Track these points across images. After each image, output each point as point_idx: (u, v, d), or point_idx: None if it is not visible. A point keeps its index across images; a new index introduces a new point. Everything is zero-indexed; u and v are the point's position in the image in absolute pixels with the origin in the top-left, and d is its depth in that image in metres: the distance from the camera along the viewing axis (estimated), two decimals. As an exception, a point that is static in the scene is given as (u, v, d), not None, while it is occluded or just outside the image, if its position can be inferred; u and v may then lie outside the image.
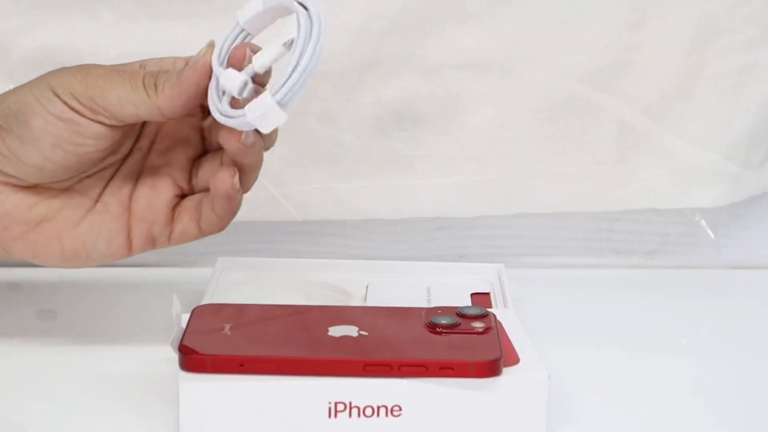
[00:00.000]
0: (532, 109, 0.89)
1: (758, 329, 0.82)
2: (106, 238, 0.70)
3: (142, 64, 0.71)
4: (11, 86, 0.84)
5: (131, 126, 0.70)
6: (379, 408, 0.62)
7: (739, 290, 0.91)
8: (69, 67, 0.68)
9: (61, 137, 0.67)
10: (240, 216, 0.92)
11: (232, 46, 0.67)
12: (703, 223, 0.94)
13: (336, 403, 0.62)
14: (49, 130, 0.67)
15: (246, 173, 0.69)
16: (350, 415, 0.62)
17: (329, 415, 0.62)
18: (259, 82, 0.66)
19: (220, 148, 0.71)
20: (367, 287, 0.81)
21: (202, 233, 0.71)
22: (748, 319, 0.84)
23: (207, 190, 0.70)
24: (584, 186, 0.91)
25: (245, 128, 0.66)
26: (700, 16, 0.87)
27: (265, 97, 0.64)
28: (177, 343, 0.63)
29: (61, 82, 0.67)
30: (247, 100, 0.65)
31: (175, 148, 0.71)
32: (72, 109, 0.66)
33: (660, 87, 0.89)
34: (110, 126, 0.67)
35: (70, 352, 0.74)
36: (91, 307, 0.81)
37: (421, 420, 0.62)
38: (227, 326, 0.66)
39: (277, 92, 0.63)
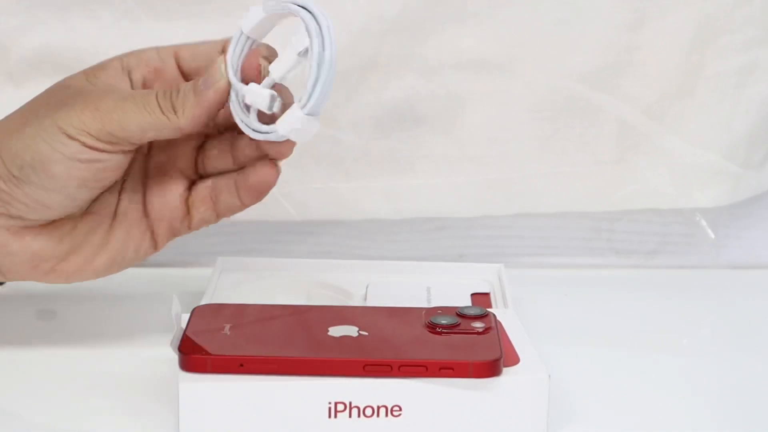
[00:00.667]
0: (532, 109, 0.89)
1: (758, 329, 0.82)
2: (133, 248, 0.71)
3: (122, 60, 0.70)
4: (11, 86, 0.85)
5: None
6: (379, 408, 0.62)
7: (739, 290, 0.91)
8: (73, 104, 0.66)
9: (85, 178, 0.66)
10: (240, 216, 0.92)
11: (242, 56, 0.67)
12: (704, 223, 0.94)
13: (336, 403, 0.62)
14: (73, 174, 0.66)
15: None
16: (350, 415, 0.62)
17: (329, 415, 0.62)
18: (276, 90, 0.66)
19: (223, 132, 0.71)
20: (367, 287, 0.81)
21: (219, 218, 0.72)
22: (748, 319, 0.84)
23: (216, 174, 0.71)
24: (584, 186, 0.91)
25: (279, 140, 0.66)
26: (700, 16, 0.87)
27: (295, 110, 0.64)
28: (177, 343, 0.63)
29: (72, 123, 0.65)
30: (276, 114, 0.65)
31: (176, 142, 0.71)
32: (91, 148, 0.66)
33: (660, 87, 0.89)
34: (130, 151, 0.67)
35: (69, 352, 0.74)
36: (91, 307, 0.81)
37: (421, 420, 0.62)
38: (227, 326, 0.66)
39: (305, 105, 0.64)
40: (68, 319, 0.79)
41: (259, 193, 0.71)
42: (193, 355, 0.62)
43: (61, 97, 0.67)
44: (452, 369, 0.62)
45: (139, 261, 0.72)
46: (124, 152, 0.67)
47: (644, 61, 0.88)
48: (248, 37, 0.67)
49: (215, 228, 0.92)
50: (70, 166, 0.66)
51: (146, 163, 0.72)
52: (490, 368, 0.62)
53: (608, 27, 0.87)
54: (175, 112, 0.66)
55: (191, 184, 0.72)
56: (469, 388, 0.62)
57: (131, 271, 0.90)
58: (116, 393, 0.68)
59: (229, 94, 0.66)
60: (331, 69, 0.63)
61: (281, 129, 0.65)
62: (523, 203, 0.91)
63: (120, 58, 0.70)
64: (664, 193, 0.91)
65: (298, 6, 0.64)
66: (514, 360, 0.64)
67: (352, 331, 0.66)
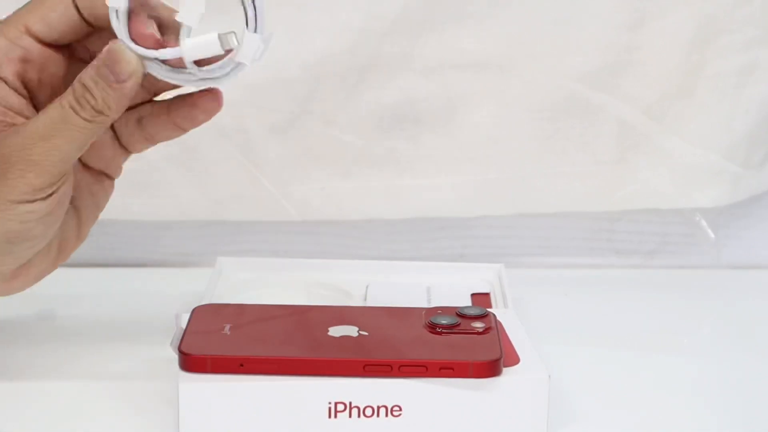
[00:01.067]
0: (532, 109, 0.89)
1: (758, 329, 0.82)
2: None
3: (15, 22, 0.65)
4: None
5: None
6: (379, 408, 0.62)
7: (740, 290, 0.91)
8: (6, 172, 0.62)
9: (56, 216, 0.65)
10: (240, 216, 0.92)
11: (126, 27, 0.63)
12: (704, 223, 0.94)
13: (336, 403, 0.62)
14: (45, 223, 0.64)
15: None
16: (350, 415, 0.62)
17: (329, 415, 0.62)
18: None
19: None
20: (367, 287, 0.81)
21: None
22: (748, 319, 0.84)
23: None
24: (584, 186, 0.91)
25: (234, 75, 0.64)
26: (700, 16, 0.87)
27: (250, 36, 0.63)
28: (177, 343, 0.63)
29: (21, 191, 0.62)
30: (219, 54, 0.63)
31: None
32: (48, 197, 0.63)
33: (660, 87, 0.89)
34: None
35: (70, 352, 0.74)
36: (91, 307, 0.81)
37: (421, 420, 0.62)
38: (227, 326, 0.66)
39: (256, 27, 0.63)
40: (68, 319, 0.79)
41: (206, 118, 0.67)
42: (193, 355, 0.62)
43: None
44: (452, 369, 0.62)
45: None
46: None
47: (644, 61, 0.88)
48: (118, 10, 0.63)
49: (215, 228, 0.92)
50: (41, 222, 0.64)
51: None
52: (490, 368, 0.62)
53: (608, 27, 0.87)
54: (103, 113, 0.63)
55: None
56: (469, 388, 0.62)
57: (131, 271, 0.90)
58: (116, 393, 0.68)
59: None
60: None
61: (243, 58, 0.63)
62: (523, 203, 0.91)
63: (14, 18, 0.65)
64: (664, 193, 0.91)
65: None
66: (514, 360, 0.64)
67: (352, 331, 0.66)
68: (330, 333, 0.65)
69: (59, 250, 0.68)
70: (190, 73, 0.64)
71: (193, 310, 0.68)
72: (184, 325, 0.66)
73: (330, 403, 0.62)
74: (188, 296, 0.74)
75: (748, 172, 0.91)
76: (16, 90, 0.64)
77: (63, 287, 0.80)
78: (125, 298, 0.84)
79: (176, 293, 0.67)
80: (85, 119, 0.62)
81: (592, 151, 0.90)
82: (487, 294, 0.81)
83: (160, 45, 0.63)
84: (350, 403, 0.62)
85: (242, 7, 0.63)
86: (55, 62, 0.65)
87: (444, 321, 0.67)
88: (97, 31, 0.65)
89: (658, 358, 0.76)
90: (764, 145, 0.92)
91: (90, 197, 0.69)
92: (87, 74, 0.62)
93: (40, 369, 0.71)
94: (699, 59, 0.88)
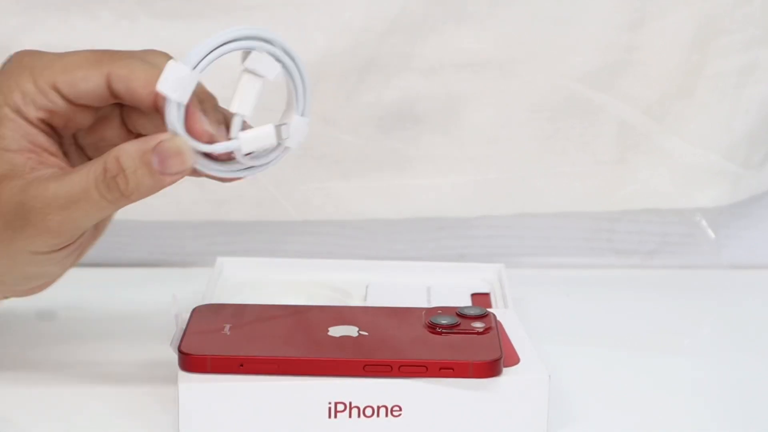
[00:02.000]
0: (532, 109, 0.89)
1: (758, 329, 0.82)
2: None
3: (9, 104, 0.64)
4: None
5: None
6: (379, 408, 0.62)
7: (740, 290, 0.91)
8: (26, 225, 0.62)
9: (70, 241, 0.64)
10: (240, 216, 0.92)
11: (182, 119, 0.61)
12: (704, 223, 0.94)
13: (336, 403, 0.62)
14: (63, 254, 0.65)
15: None
16: (350, 415, 0.62)
17: (329, 415, 0.62)
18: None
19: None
20: (367, 287, 0.81)
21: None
22: (748, 319, 0.84)
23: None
24: (584, 186, 0.91)
25: (278, 159, 0.65)
26: (700, 16, 0.87)
27: (298, 120, 0.63)
28: (177, 343, 0.63)
29: (38, 246, 0.63)
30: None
31: (103, 127, 0.67)
32: (60, 250, 0.64)
33: (660, 87, 0.89)
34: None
35: (69, 352, 0.74)
36: (91, 307, 0.81)
37: (421, 420, 0.62)
38: (227, 326, 0.66)
39: (303, 111, 0.63)
40: (68, 320, 0.79)
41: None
42: (193, 355, 0.62)
43: (10, 219, 0.63)
44: (452, 369, 0.62)
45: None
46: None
47: (644, 61, 0.88)
48: (179, 104, 0.61)
49: (215, 228, 0.92)
50: (57, 266, 0.65)
51: (78, 146, 0.68)
52: (490, 368, 0.62)
53: (608, 27, 0.87)
54: (129, 198, 0.61)
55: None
56: (469, 388, 0.62)
57: (131, 271, 0.90)
58: (116, 393, 0.68)
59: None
60: (307, 72, 0.63)
61: (292, 143, 0.63)
62: (523, 203, 0.91)
63: (6, 103, 0.63)
64: (664, 193, 0.91)
65: (247, 40, 0.61)
66: (514, 360, 0.64)
67: (352, 331, 0.66)
68: (330, 333, 0.65)
69: (78, 255, 0.68)
70: (237, 163, 0.63)
71: (193, 310, 0.68)
72: (184, 325, 0.66)
73: (330, 403, 0.62)
74: (188, 296, 0.74)
75: (748, 172, 0.91)
76: (42, 130, 0.64)
77: (63, 287, 0.80)
78: (125, 298, 0.84)
79: (176, 293, 0.66)
80: (107, 200, 0.61)
81: (592, 151, 0.90)
82: (487, 294, 0.81)
83: (211, 140, 0.62)
84: (350, 403, 0.62)
85: (292, 92, 0.63)
86: (82, 115, 0.65)
87: (444, 321, 0.67)
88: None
89: (658, 358, 0.76)
90: (764, 145, 0.92)
91: None
92: (128, 155, 0.61)
93: (39, 369, 0.71)
94: (699, 59, 0.88)
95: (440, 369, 0.62)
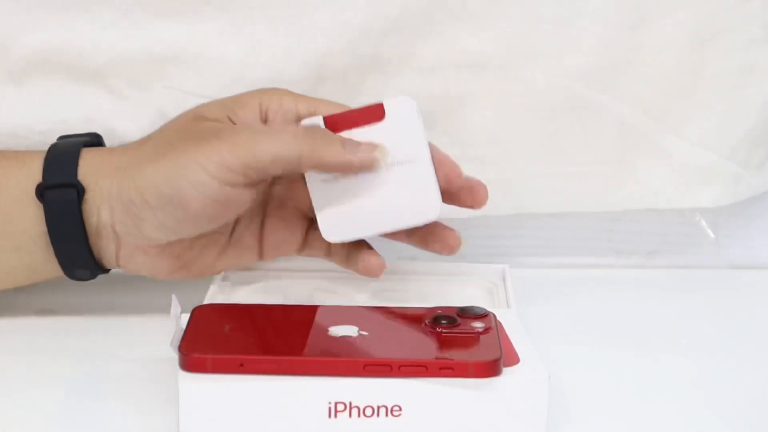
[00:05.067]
0: (532, 109, 0.89)
1: (758, 329, 0.82)
2: (242, 264, 0.77)
3: (261, 100, 0.75)
4: (11, 86, 0.85)
5: None
6: (379, 408, 0.62)
7: (739, 290, 0.91)
8: (210, 140, 0.70)
9: (217, 215, 0.71)
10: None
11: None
12: (703, 223, 0.94)
13: (336, 403, 0.62)
14: (207, 211, 0.70)
15: None
16: (350, 415, 0.62)
17: (329, 415, 0.62)
18: None
19: None
20: (367, 287, 0.81)
21: (329, 258, 0.78)
22: (748, 319, 0.84)
23: None
24: (584, 186, 0.91)
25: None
26: (700, 16, 0.87)
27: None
28: (177, 343, 0.63)
29: (212, 159, 0.69)
30: None
31: (298, 182, 0.75)
32: (227, 184, 0.69)
33: (660, 87, 0.89)
34: (258, 184, 0.71)
35: (70, 352, 0.74)
36: (91, 307, 0.81)
37: (421, 420, 0.62)
38: (227, 326, 0.66)
39: None
40: (68, 319, 0.79)
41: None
42: (193, 355, 0.62)
43: (197, 132, 0.71)
44: (452, 369, 0.62)
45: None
46: (253, 187, 0.71)
47: (644, 61, 0.88)
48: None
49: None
50: (206, 203, 0.70)
51: (269, 191, 0.76)
52: (490, 368, 0.62)
53: (608, 27, 0.87)
54: (311, 148, 0.70)
55: (311, 224, 0.77)
56: (469, 388, 0.62)
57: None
58: (116, 393, 0.68)
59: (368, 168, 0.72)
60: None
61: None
62: (523, 203, 0.91)
63: (260, 97, 0.74)
64: (664, 193, 0.91)
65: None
66: (514, 360, 0.64)
67: (352, 331, 0.66)
68: (330, 333, 0.65)
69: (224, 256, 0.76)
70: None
71: (193, 310, 0.68)
72: (184, 325, 0.66)
73: (330, 403, 0.62)
74: (188, 296, 0.74)
75: (748, 172, 0.91)
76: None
77: (62, 287, 0.80)
78: (125, 298, 0.84)
79: (176, 293, 0.67)
80: (294, 138, 0.70)
81: (592, 151, 0.90)
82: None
83: None
84: (350, 403, 0.62)
85: None
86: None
87: (444, 321, 0.67)
88: None
89: (658, 358, 0.76)
90: (764, 145, 0.92)
91: (239, 259, 0.77)
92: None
93: (39, 369, 0.71)
94: (699, 59, 0.88)
95: (440, 369, 0.62)
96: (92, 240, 0.73)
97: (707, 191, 0.91)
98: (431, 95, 0.88)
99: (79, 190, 0.72)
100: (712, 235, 0.94)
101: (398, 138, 0.73)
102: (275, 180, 0.77)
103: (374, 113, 0.73)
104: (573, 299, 0.87)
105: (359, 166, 0.72)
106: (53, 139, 0.78)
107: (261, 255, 0.78)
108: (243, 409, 0.62)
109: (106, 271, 0.76)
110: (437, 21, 0.86)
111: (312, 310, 0.70)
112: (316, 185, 0.73)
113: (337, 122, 0.73)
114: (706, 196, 0.92)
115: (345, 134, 0.73)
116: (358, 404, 0.62)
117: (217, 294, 0.80)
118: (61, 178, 0.73)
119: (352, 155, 0.71)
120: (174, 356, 0.63)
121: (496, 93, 0.88)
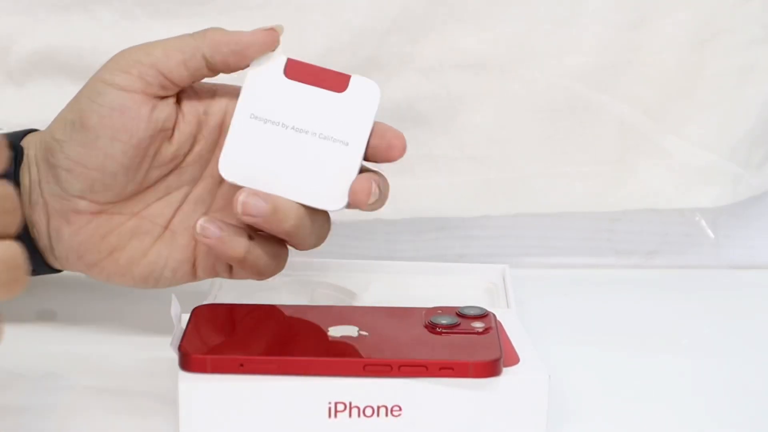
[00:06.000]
0: (532, 109, 0.89)
1: (758, 329, 0.82)
2: (172, 268, 0.72)
3: None
4: (11, 86, 0.85)
5: (187, 120, 0.70)
6: (379, 408, 0.62)
7: (739, 290, 0.91)
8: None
9: (116, 127, 0.68)
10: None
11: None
12: (703, 223, 0.94)
13: (336, 403, 0.62)
14: (105, 123, 0.68)
15: None
16: (350, 415, 0.62)
17: (329, 415, 0.62)
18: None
19: None
20: (367, 287, 0.81)
21: (260, 277, 0.72)
22: (748, 319, 0.84)
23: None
24: (584, 186, 0.91)
25: None
26: (700, 16, 0.87)
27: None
28: (177, 343, 0.63)
29: (105, 68, 0.68)
30: None
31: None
32: (122, 88, 0.67)
33: (660, 87, 0.89)
34: (160, 97, 0.68)
35: (69, 352, 0.74)
36: (91, 307, 0.81)
37: (421, 420, 0.62)
38: (227, 326, 0.66)
39: None
40: (68, 320, 0.79)
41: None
42: (193, 355, 0.62)
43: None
44: (452, 369, 0.62)
45: (176, 284, 0.73)
46: (154, 96, 0.68)
47: (644, 61, 0.88)
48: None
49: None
50: (103, 114, 0.68)
51: (214, 192, 0.72)
52: (489, 368, 0.62)
53: (608, 27, 0.87)
54: (203, 35, 0.68)
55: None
56: (469, 388, 0.62)
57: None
58: (116, 393, 0.68)
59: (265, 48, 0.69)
60: None
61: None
62: (523, 203, 0.91)
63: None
64: (664, 193, 0.91)
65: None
66: (514, 360, 0.64)
67: (352, 331, 0.66)
68: (330, 333, 0.65)
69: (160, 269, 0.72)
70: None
71: (193, 310, 0.68)
72: (184, 325, 0.66)
73: (330, 403, 0.62)
74: (188, 296, 0.74)
75: (748, 172, 0.91)
76: None
77: (63, 287, 0.80)
78: (125, 298, 0.84)
79: (176, 293, 0.67)
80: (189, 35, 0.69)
81: (592, 151, 0.90)
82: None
83: None
84: (350, 403, 0.62)
85: None
86: None
87: (444, 321, 0.67)
88: None
89: (657, 358, 0.76)
90: (764, 145, 0.92)
91: (170, 258, 0.72)
92: None
93: (39, 369, 0.71)
94: (699, 59, 0.88)
95: (440, 369, 0.62)
96: (25, 210, 0.71)
97: (707, 191, 0.91)
98: (431, 95, 0.88)
99: (18, 151, 0.71)
100: (712, 235, 0.94)
101: (345, 116, 0.70)
102: (224, 181, 0.71)
103: (338, 82, 0.70)
104: (573, 299, 0.87)
105: (262, 41, 0.69)
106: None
107: (194, 260, 0.72)
108: (243, 409, 0.62)
109: (45, 265, 0.73)
110: (437, 21, 0.86)
111: (312, 310, 0.70)
112: (242, 117, 0.69)
113: (298, 69, 0.70)
114: (706, 196, 0.92)
115: (297, 86, 0.70)
116: (358, 404, 0.62)
117: (217, 294, 0.80)
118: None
119: (250, 35, 0.69)
120: (174, 356, 0.63)
121: (496, 93, 0.88)
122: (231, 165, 0.69)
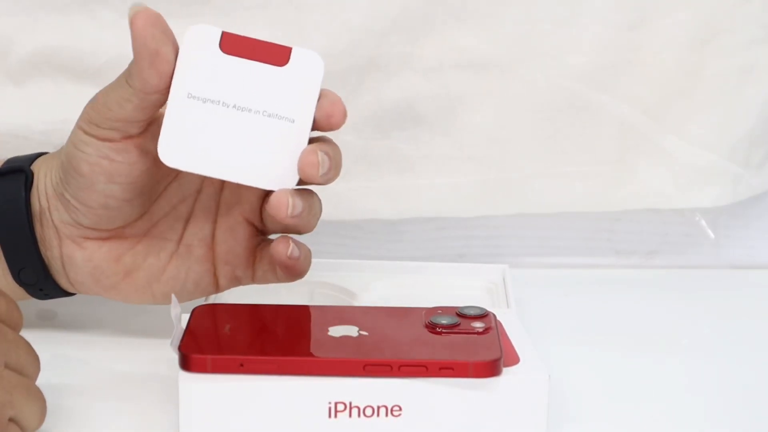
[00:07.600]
0: (532, 109, 0.89)
1: (758, 329, 0.82)
2: (193, 281, 0.72)
3: None
4: (11, 86, 0.85)
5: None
6: (379, 408, 0.62)
7: (739, 290, 0.91)
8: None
9: (109, 172, 0.68)
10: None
11: None
12: (703, 223, 0.94)
13: (336, 403, 0.62)
14: (96, 170, 0.68)
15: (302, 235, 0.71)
16: (350, 415, 0.62)
17: (329, 415, 0.62)
18: None
19: None
20: (367, 287, 0.81)
21: (279, 280, 0.73)
22: (748, 319, 0.84)
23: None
24: (584, 186, 0.91)
25: None
26: (700, 16, 0.87)
27: None
28: (177, 343, 0.63)
29: (82, 117, 0.68)
30: None
31: (245, 188, 0.71)
32: (99, 138, 0.68)
33: (660, 87, 0.89)
34: (140, 134, 0.68)
35: (69, 352, 0.74)
36: (90, 308, 0.81)
37: (421, 420, 0.62)
38: (227, 326, 0.66)
39: None
40: (68, 320, 0.79)
41: (281, 267, 0.71)
42: (193, 355, 0.62)
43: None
44: (452, 369, 0.62)
45: (201, 296, 0.74)
46: (126, 139, 0.68)
47: (644, 61, 0.88)
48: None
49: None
50: (92, 161, 0.68)
51: (217, 199, 0.73)
52: (489, 368, 0.62)
53: (608, 27, 0.87)
54: (130, 75, 0.66)
55: (262, 232, 0.73)
56: (469, 388, 0.62)
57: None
58: (116, 393, 0.68)
59: (167, 43, 0.67)
60: None
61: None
62: (523, 203, 0.91)
63: None
64: (664, 193, 0.91)
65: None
66: (514, 360, 0.64)
67: (352, 331, 0.66)
68: (330, 333, 0.65)
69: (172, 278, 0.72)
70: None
71: (193, 310, 0.68)
72: (184, 325, 0.66)
73: (330, 403, 0.62)
74: (188, 296, 0.74)
75: (748, 172, 0.91)
76: None
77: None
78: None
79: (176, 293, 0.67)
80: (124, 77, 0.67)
81: (592, 151, 0.90)
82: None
83: None
84: (350, 403, 0.62)
85: None
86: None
87: (444, 321, 0.67)
88: None
89: (657, 358, 0.76)
90: (764, 145, 0.92)
91: (189, 271, 0.73)
92: None
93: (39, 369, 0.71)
94: (699, 59, 0.88)
95: (440, 369, 0.62)
96: (36, 230, 0.71)
97: (707, 191, 0.91)
98: (431, 95, 0.88)
99: (28, 176, 0.71)
100: (712, 235, 0.94)
101: (289, 92, 0.66)
102: (224, 185, 0.72)
103: (278, 55, 0.67)
104: (573, 299, 0.87)
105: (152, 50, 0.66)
106: (53, 139, 0.78)
107: (214, 270, 0.73)
108: (243, 409, 0.62)
109: (60, 290, 0.74)
110: (437, 21, 0.86)
111: (312, 310, 0.70)
112: (178, 97, 0.66)
113: (234, 43, 0.66)
114: (706, 196, 0.92)
115: (235, 61, 0.66)
116: (358, 404, 0.62)
117: (218, 294, 0.80)
118: (12, 165, 0.72)
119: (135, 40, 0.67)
120: (174, 356, 0.63)
121: (496, 93, 0.88)
122: (171, 149, 0.66)
